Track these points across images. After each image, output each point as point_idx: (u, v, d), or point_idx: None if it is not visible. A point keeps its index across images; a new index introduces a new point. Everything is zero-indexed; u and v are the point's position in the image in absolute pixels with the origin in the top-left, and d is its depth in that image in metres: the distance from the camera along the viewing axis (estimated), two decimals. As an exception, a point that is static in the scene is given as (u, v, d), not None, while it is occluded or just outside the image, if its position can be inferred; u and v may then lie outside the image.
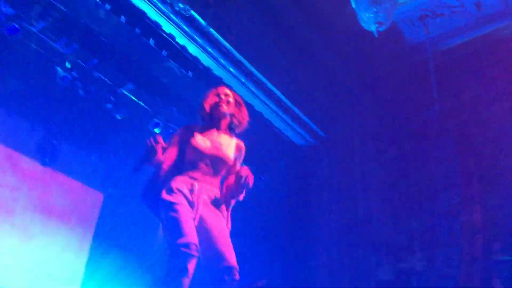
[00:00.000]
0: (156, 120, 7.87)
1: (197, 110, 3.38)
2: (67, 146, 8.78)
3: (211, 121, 3.28)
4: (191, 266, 2.76)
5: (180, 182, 3.04)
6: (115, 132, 8.78)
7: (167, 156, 3.15)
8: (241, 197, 3.14)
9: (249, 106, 8.02)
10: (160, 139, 3.07)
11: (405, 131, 8.73)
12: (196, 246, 2.78)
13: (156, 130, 7.86)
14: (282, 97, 8.03)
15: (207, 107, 3.30)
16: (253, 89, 7.67)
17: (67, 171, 8.97)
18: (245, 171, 3.05)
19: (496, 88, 7.81)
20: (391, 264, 8.27)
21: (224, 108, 3.26)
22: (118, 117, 7.63)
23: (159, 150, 3.06)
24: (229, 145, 3.23)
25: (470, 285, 7.18)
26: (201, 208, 2.97)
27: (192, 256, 2.75)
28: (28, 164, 8.56)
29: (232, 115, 3.30)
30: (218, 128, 3.25)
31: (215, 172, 3.13)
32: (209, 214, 3.00)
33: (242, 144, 3.33)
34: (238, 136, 3.38)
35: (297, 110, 8.28)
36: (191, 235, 2.80)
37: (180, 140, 3.23)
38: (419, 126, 8.51)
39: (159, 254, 9.27)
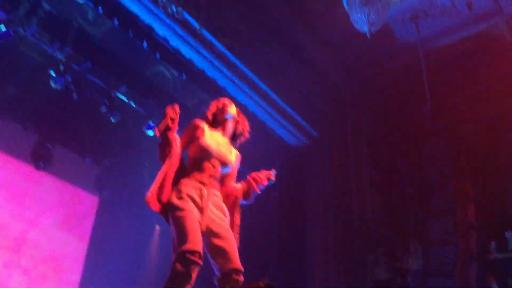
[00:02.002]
0: (151, 123, 7.87)
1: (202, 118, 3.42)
2: (61, 150, 8.78)
3: (216, 126, 3.33)
4: (194, 273, 2.78)
5: (189, 187, 3.03)
6: (110, 135, 8.78)
7: (178, 152, 3.15)
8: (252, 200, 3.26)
9: (242, 107, 8.05)
10: (177, 107, 3.12)
11: (398, 130, 8.78)
12: (200, 254, 2.79)
13: (150, 133, 7.86)
14: (276, 98, 8.06)
15: (209, 114, 3.36)
16: (246, 90, 7.69)
17: (62, 174, 8.96)
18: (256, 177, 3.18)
19: (488, 86, 7.88)
20: (387, 263, 8.30)
21: (229, 111, 3.33)
22: (113, 120, 7.62)
23: (174, 131, 3.10)
24: (231, 152, 3.29)
25: (466, 282, 7.23)
26: (208, 213, 3.02)
27: (196, 263, 2.77)
28: (23, 167, 8.55)
29: (236, 121, 3.37)
30: (223, 132, 3.31)
31: (219, 176, 3.17)
32: (215, 217, 3.03)
33: (239, 154, 3.40)
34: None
35: (290, 110, 8.32)
36: (197, 243, 2.81)
37: (190, 135, 3.23)
38: (412, 125, 8.56)
39: (155, 257, 9.27)
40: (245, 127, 3.42)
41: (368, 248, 8.47)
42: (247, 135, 3.42)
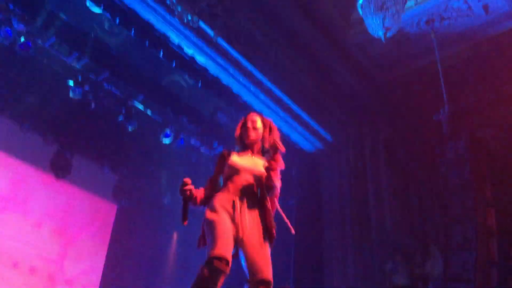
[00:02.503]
0: (168, 131, 7.94)
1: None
2: (80, 159, 8.89)
3: (244, 146, 3.43)
4: (220, 280, 2.84)
5: (221, 199, 3.14)
6: (127, 144, 8.87)
7: (210, 184, 3.34)
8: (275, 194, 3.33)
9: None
10: (187, 181, 3.23)
11: (416, 134, 8.70)
12: (228, 261, 2.85)
13: (167, 141, 7.92)
14: (291, 104, 8.06)
15: (237, 135, 3.49)
16: (261, 96, 7.71)
17: (80, 183, 9.07)
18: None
19: (506, 90, 7.77)
20: (406, 270, 8.21)
21: (252, 136, 3.41)
22: (130, 129, 7.71)
23: (193, 193, 3.24)
24: (261, 164, 3.35)
25: (487, 288, 7.11)
26: (242, 222, 3.08)
27: (222, 271, 2.82)
28: (42, 177, 8.68)
29: (262, 140, 3.43)
30: (252, 152, 3.40)
31: (252, 188, 3.23)
32: (249, 227, 3.11)
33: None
34: None
35: (305, 116, 8.31)
36: (224, 249, 2.88)
37: (220, 162, 3.39)
38: (430, 129, 8.47)
39: (173, 264, 9.31)
40: (273, 140, 3.42)
41: (387, 254, 8.39)
42: (277, 145, 3.40)
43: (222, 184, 3.29)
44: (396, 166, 8.86)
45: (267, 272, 2.99)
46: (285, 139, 8.59)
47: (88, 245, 9.05)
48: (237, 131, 3.49)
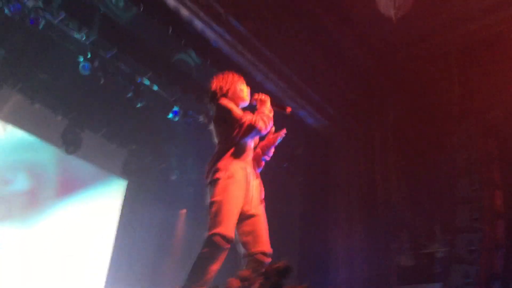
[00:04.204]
0: (176, 109, 7.94)
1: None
2: (90, 134, 8.96)
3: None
4: (222, 256, 2.88)
5: (236, 167, 3.03)
6: (136, 120, 8.91)
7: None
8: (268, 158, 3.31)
9: (266, 92, 8.04)
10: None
11: (426, 114, 8.64)
12: (232, 240, 2.88)
13: (176, 119, 7.94)
14: (301, 83, 8.04)
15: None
16: (271, 76, 7.69)
17: (90, 158, 9.16)
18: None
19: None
20: (412, 250, 8.25)
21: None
22: (138, 105, 7.73)
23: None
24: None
25: (491, 270, 7.13)
26: (255, 196, 3.07)
27: (225, 249, 2.87)
28: (53, 151, 8.78)
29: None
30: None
31: (255, 156, 3.25)
32: (254, 198, 3.10)
33: None
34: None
35: (315, 95, 8.29)
36: (232, 229, 2.89)
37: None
38: (439, 110, 8.41)
39: (181, 241, 9.44)
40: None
41: (393, 233, 8.43)
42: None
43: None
44: (404, 145, 8.83)
45: (267, 243, 3.05)
46: (295, 117, 8.58)
47: (97, 220, 9.19)
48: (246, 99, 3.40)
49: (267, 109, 3.20)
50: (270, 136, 3.29)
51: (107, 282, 8.83)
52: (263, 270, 2.63)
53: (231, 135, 3.09)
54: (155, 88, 7.69)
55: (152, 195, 9.80)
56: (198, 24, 6.81)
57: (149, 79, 7.55)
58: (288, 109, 3.32)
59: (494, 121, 8.00)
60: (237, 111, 3.17)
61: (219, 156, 3.07)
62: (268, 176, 3.34)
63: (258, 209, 3.11)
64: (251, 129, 3.07)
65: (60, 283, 8.23)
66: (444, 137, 8.42)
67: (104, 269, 8.96)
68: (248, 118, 3.09)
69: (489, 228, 7.28)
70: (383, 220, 8.45)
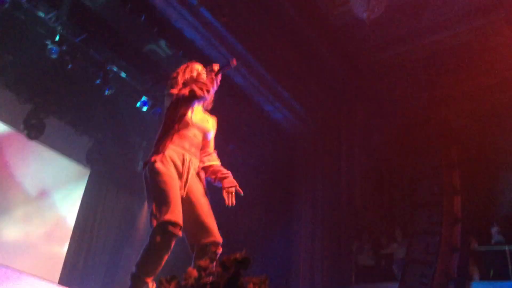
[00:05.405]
0: (144, 99, 7.83)
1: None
2: (54, 120, 8.73)
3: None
4: (172, 243, 2.80)
5: (173, 151, 2.96)
6: (103, 108, 8.73)
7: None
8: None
9: (238, 88, 8.03)
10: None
11: (391, 119, 8.81)
12: (181, 226, 2.79)
13: (144, 109, 7.83)
14: (272, 80, 8.06)
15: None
16: (243, 71, 7.68)
17: (53, 145, 8.93)
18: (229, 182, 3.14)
19: (482, 81, 7.89)
20: (372, 250, 8.40)
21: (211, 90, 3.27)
22: (106, 92, 7.57)
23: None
24: (209, 120, 3.27)
25: (447, 272, 7.33)
26: (189, 180, 2.99)
27: (176, 236, 2.78)
28: (14, 137, 8.53)
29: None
30: (203, 108, 3.28)
31: (199, 145, 3.16)
32: (195, 186, 3.02)
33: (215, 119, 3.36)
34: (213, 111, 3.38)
35: (284, 92, 8.31)
36: (178, 214, 2.80)
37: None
38: (405, 115, 8.58)
39: (142, 231, 9.33)
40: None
41: (354, 234, 8.56)
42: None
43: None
44: (370, 148, 8.98)
45: (218, 233, 2.94)
46: (264, 115, 8.60)
47: (56, 208, 8.98)
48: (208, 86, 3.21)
49: (203, 79, 3.18)
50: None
51: (63, 269, 8.61)
52: (222, 260, 2.59)
53: (169, 118, 3.07)
54: (124, 75, 7.56)
55: (115, 185, 9.65)
56: (172, 13, 6.73)
57: (118, 66, 7.42)
58: (233, 62, 3.24)
59: (457, 128, 8.22)
60: (174, 90, 3.13)
61: (157, 140, 3.04)
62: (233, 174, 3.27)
63: (200, 199, 3.05)
64: (183, 98, 3.04)
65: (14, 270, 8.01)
66: (408, 142, 8.60)
67: (61, 257, 8.76)
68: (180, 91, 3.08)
69: (446, 231, 7.48)
70: (345, 221, 8.58)
